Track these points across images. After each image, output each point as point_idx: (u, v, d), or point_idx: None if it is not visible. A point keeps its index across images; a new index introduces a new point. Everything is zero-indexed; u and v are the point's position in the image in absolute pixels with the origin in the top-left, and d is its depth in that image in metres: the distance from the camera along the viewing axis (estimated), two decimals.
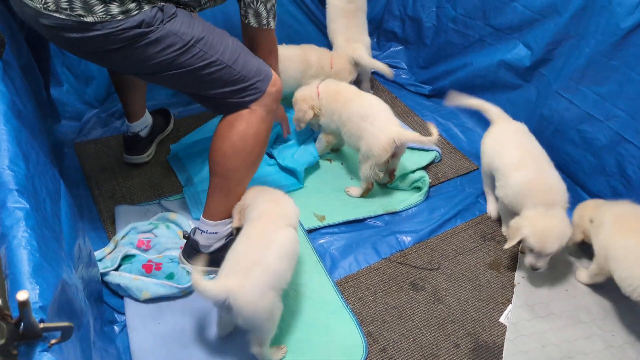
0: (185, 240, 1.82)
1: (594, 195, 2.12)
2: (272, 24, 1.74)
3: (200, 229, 1.78)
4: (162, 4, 1.48)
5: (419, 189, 2.26)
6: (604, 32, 1.96)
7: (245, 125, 1.66)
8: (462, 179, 2.36)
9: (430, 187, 2.27)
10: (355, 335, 1.70)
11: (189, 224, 1.98)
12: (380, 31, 3.04)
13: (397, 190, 2.27)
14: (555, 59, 2.20)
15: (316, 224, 2.08)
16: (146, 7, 1.44)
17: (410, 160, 2.34)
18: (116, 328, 1.70)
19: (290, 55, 2.47)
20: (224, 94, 1.64)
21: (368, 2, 2.93)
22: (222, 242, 1.79)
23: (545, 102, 2.26)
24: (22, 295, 0.79)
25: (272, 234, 1.59)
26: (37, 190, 1.21)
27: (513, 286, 1.88)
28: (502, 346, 1.70)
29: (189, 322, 1.70)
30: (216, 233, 1.76)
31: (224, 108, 1.69)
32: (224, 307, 1.45)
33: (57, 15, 1.41)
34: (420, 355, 1.67)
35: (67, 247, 1.32)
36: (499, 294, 1.87)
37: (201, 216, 1.78)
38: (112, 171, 2.27)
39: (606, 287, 1.83)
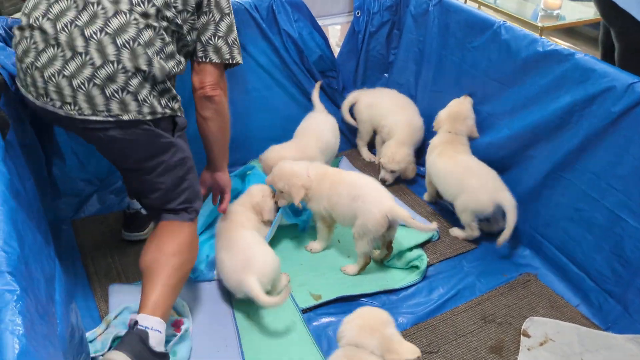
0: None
1: (594, 278, 2.09)
2: (238, 59, 1.82)
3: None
4: (179, 114, 1.67)
5: (416, 267, 2.23)
6: (596, 115, 2.02)
7: (185, 233, 1.80)
8: (461, 257, 2.33)
9: (428, 265, 2.25)
10: None
11: (182, 303, 1.95)
12: None
13: (394, 268, 2.25)
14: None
15: (312, 302, 2.04)
16: (168, 112, 1.62)
17: (408, 238, 2.33)
18: None
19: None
20: (184, 200, 1.79)
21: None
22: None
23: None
24: None
25: None
26: (31, 271, 1.21)
27: None
28: None
29: None
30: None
31: (164, 216, 1.82)
32: None
33: (93, 118, 1.51)
34: None
35: (60, 329, 1.29)
36: None
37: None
38: (107, 248, 2.26)
39: None
